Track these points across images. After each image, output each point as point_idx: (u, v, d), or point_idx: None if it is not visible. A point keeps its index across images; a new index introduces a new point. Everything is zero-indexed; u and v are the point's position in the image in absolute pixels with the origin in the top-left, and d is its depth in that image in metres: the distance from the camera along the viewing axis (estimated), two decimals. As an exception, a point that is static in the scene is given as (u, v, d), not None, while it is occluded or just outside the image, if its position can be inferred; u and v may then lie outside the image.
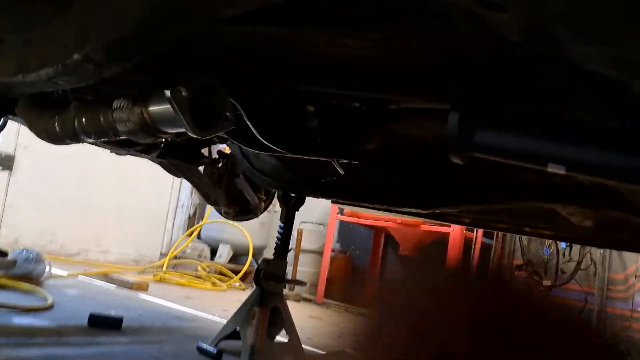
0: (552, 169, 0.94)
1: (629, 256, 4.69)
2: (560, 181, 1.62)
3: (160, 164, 2.83)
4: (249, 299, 2.26)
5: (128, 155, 2.78)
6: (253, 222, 6.58)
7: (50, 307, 2.48)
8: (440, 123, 1.61)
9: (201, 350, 2.05)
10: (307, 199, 5.61)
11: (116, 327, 2.30)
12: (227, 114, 1.22)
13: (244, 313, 2.22)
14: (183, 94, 1.10)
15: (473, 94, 0.98)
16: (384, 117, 1.62)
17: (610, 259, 4.72)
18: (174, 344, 2.25)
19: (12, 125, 4.58)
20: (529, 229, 2.28)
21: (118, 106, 1.26)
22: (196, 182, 2.85)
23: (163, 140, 2.47)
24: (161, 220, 6.58)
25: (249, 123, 1.40)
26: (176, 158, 2.59)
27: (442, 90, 1.04)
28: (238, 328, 2.18)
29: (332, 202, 2.62)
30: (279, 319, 2.30)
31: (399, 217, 4.98)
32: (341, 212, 5.71)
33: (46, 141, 1.54)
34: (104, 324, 2.27)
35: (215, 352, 2.02)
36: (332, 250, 6.00)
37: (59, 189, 5.22)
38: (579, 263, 4.81)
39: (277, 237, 2.49)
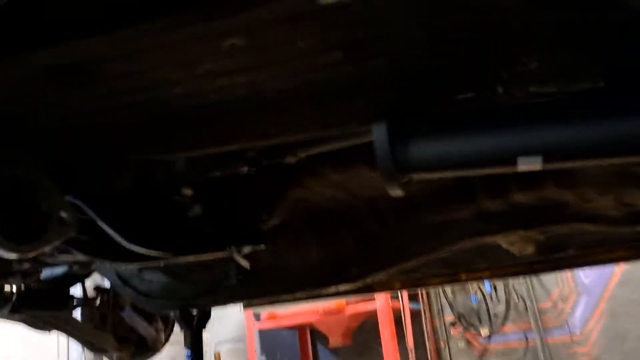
0: (524, 165, 0.68)
1: (549, 282, 4.67)
2: (497, 209, 1.41)
3: (21, 320, 2.25)
4: None
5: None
6: (162, 360, 5.79)
7: None
8: (351, 170, 1.36)
9: None
10: (217, 314, 5.04)
11: None
12: (63, 215, 0.84)
13: None
14: (-24, 194, 0.72)
15: (399, 95, 0.71)
16: (283, 182, 1.32)
17: (534, 290, 4.66)
18: None
19: None
20: (465, 274, 2.04)
21: None
22: (72, 331, 2.30)
23: (14, 291, 1.95)
24: (52, 391, 5.56)
25: (103, 225, 1.02)
26: (38, 309, 2.06)
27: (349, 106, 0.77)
28: None
29: (245, 306, 2.21)
30: None
31: (321, 306, 4.59)
32: (258, 318, 5.19)
33: None
34: None
35: None
36: (259, 365, 5.39)
37: None
38: (507, 302, 4.69)
39: (187, 370, 2.01)
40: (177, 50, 0.68)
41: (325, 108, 0.78)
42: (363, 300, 4.59)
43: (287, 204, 1.41)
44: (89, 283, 2.44)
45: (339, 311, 4.56)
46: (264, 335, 5.64)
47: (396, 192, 0.75)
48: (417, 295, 5.01)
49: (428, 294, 5.03)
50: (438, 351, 4.93)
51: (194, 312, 2.00)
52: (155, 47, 0.67)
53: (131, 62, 0.70)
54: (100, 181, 0.99)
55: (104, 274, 2.05)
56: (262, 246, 1.40)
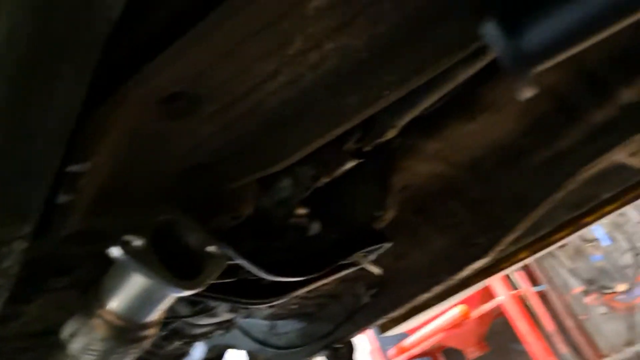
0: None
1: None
2: (607, 118, 1.32)
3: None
4: None
5: None
6: None
7: None
8: (445, 131, 1.31)
9: None
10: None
11: None
12: (210, 250, 0.85)
13: None
14: (137, 243, 0.73)
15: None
16: (383, 170, 1.30)
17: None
18: None
19: None
20: (592, 215, 1.91)
21: (69, 335, 0.85)
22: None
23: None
24: None
25: (241, 260, 1.02)
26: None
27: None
28: None
29: (382, 330, 2.12)
30: None
31: (445, 322, 4.42)
32: (385, 353, 5.04)
33: None
34: None
35: None
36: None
37: None
38: (633, 249, 4.36)
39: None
40: (267, 34, 0.68)
41: (423, 43, 0.76)
42: (484, 302, 4.40)
43: (394, 195, 1.37)
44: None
45: (464, 318, 4.37)
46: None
47: (528, 91, 0.71)
48: (535, 278, 4.76)
49: (547, 273, 4.75)
50: (581, 326, 4.59)
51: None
52: (248, 37, 0.67)
53: (229, 65, 0.70)
54: (221, 215, 0.99)
55: (238, 345, 2.04)
56: (389, 244, 1.37)
